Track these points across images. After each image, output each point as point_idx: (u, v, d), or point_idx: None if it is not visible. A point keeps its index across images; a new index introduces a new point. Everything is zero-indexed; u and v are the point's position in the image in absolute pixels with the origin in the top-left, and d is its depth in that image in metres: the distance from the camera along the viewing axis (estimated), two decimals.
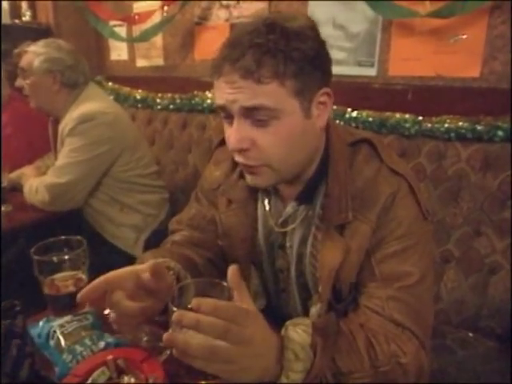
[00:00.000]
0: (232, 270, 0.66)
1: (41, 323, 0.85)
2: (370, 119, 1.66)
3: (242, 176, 0.93)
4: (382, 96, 1.69)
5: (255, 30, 0.72)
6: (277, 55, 0.71)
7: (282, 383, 0.64)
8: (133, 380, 0.71)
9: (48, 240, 0.91)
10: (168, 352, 0.76)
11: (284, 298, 1.01)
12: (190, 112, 2.31)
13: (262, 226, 0.96)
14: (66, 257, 0.89)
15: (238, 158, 0.80)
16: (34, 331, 0.84)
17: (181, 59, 2.50)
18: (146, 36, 2.48)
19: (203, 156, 2.18)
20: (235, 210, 0.96)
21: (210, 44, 2.29)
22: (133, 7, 2.61)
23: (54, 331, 0.81)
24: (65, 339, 0.79)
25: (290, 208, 0.91)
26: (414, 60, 1.64)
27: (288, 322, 0.70)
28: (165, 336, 0.57)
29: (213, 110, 2.18)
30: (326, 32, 0.79)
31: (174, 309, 0.60)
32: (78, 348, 0.77)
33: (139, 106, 2.58)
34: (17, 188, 1.84)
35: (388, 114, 1.63)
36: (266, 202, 0.95)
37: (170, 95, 2.40)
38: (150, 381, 0.69)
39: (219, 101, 0.77)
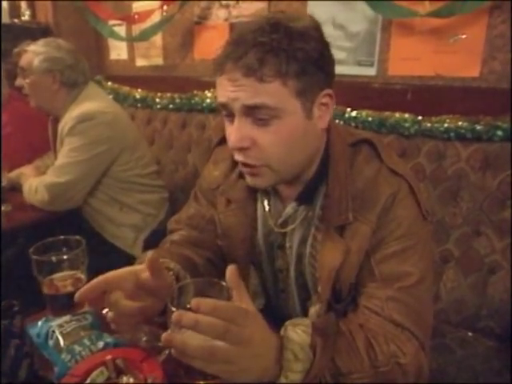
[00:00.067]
0: (230, 270, 0.66)
1: (40, 323, 0.85)
2: (370, 119, 1.66)
3: (241, 176, 0.93)
4: (381, 96, 1.69)
5: (259, 28, 0.72)
6: (280, 54, 0.71)
7: (281, 383, 0.64)
8: (132, 380, 0.71)
9: (47, 240, 0.91)
10: (167, 352, 0.76)
11: (283, 298, 1.01)
12: (189, 111, 2.31)
13: (262, 226, 0.96)
14: (65, 257, 0.89)
15: (238, 157, 0.79)
16: (32, 331, 0.84)
17: (180, 59, 2.50)
18: (145, 35, 2.48)
19: (203, 155, 2.18)
20: (234, 210, 0.96)
21: (210, 43, 2.29)
22: (132, 7, 2.62)
23: (53, 331, 0.81)
24: (64, 339, 0.79)
25: (289, 208, 0.91)
26: (414, 60, 1.64)
27: (287, 323, 0.70)
28: (163, 336, 0.57)
29: (212, 109, 2.18)
30: (326, 32, 0.78)
31: (173, 309, 0.60)
32: (77, 348, 0.77)
33: (139, 105, 2.58)
34: (16, 188, 1.84)
35: (387, 113, 1.63)
36: (266, 202, 0.95)
37: (169, 95, 2.39)
38: (149, 381, 0.69)
39: (221, 98, 0.77)
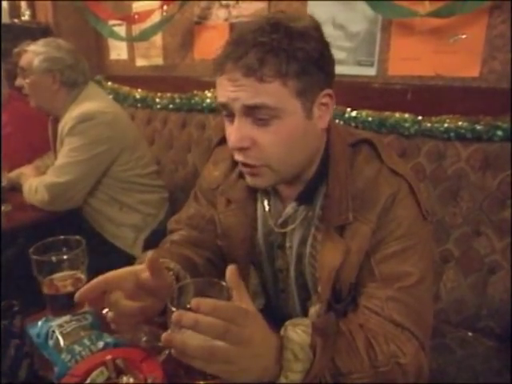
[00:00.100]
0: (230, 270, 0.66)
1: (40, 323, 0.85)
2: (370, 119, 1.66)
3: (241, 176, 0.93)
4: (381, 96, 1.69)
5: (259, 28, 0.72)
6: (280, 54, 0.71)
7: (281, 383, 0.64)
8: (131, 380, 0.71)
9: (47, 240, 0.91)
10: (167, 352, 0.76)
11: (283, 298, 1.01)
12: (189, 111, 2.31)
13: (262, 226, 0.96)
14: (65, 257, 0.89)
15: (238, 157, 0.79)
16: (32, 331, 0.84)
17: (180, 59, 2.50)
18: (145, 35, 2.48)
19: (203, 155, 2.18)
20: (234, 210, 0.96)
21: (210, 43, 2.29)
22: (132, 7, 2.61)
23: (53, 331, 0.81)
24: (64, 339, 0.79)
25: (289, 208, 0.91)
26: (414, 60, 1.64)
27: (287, 322, 0.70)
28: (163, 336, 0.57)
29: (212, 109, 2.18)
30: (326, 31, 0.78)
31: (173, 309, 0.60)
32: (77, 348, 0.77)
33: (139, 105, 2.58)
34: (16, 188, 1.84)
35: (387, 113, 1.63)
36: (266, 202, 0.95)
37: (169, 95, 2.39)
38: (149, 381, 0.69)
39: (221, 98, 0.77)
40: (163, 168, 2.35)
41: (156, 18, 2.42)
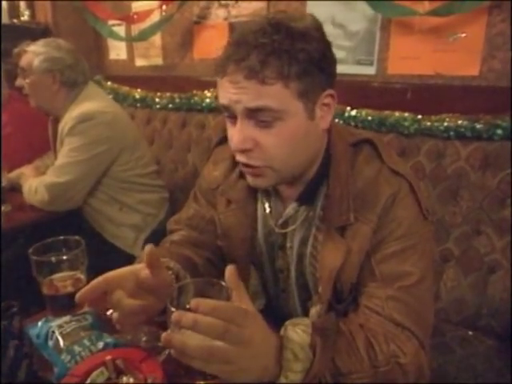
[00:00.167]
0: (229, 271, 0.66)
1: (39, 324, 0.85)
2: (369, 118, 1.66)
3: (241, 176, 0.93)
4: (381, 95, 1.69)
5: (260, 29, 0.72)
6: (282, 56, 0.70)
7: (281, 383, 0.64)
8: (131, 380, 0.71)
9: (46, 240, 0.91)
10: (167, 352, 0.76)
11: (283, 298, 1.01)
12: (189, 111, 2.31)
13: (262, 227, 0.96)
14: (65, 257, 0.89)
15: (240, 158, 0.79)
16: (32, 332, 0.84)
17: (180, 58, 2.50)
18: (144, 35, 2.48)
19: (202, 155, 2.18)
20: (234, 211, 0.96)
21: (209, 43, 2.29)
22: (131, 6, 2.61)
23: (53, 332, 0.81)
24: (63, 340, 0.79)
25: (290, 209, 0.90)
26: (413, 58, 1.64)
27: (287, 322, 0.70)
28: (163, 336, 0.57)
29: (212, 109, 2.18)
30: (325, 31, 0.78)
31: (173, 309, 0.60)
32: (77, 348, 0.77)
33: (138, 105, 2.58)
34: (16, 188, 1.83)
35: (387, 112, 1.63)
36: (266, 203, 0.94)
37: (169, 94, 2.39)
38: (149, 381, 0.69)
39: (223, 100, 0.76)
40: (163, 168, 2.35)
41: (155, 17, 2.42)
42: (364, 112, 1.68)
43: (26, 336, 0.78)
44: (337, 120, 1.71)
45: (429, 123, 1.53)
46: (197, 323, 0.55)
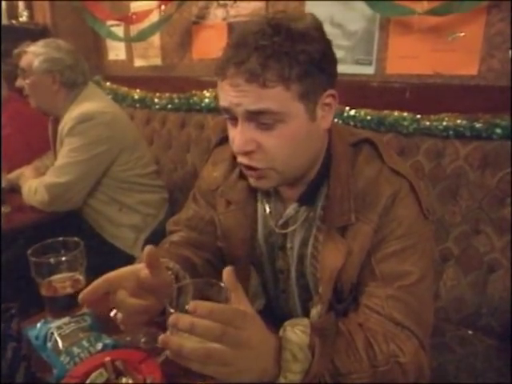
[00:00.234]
0: (227, 272, 0.66)
1: (38, 325, 0.85)
2: (368, 117, 1.66)
3: (241, 176, 0.93)
4: (380, 94, 1.68)
5: (260, 30, 0.71)
6: (282, 58, 0.70)
7: None
8: (131, 381, 0.71)
9: (45, 241, 0.91)
10: (166, 353, 0.76)
11: (284, 299, 1.01)
12: (188, 111, 2.31)
13: (262, 227, 0.96)
14: (63, 258, 0.89)
15: (242, 160, 0.79)
16: (31, 333, 0.84)
17: (179, 59, 2.49)
18: (143, 36, 2.48)
19: (202, 155, 2.18)
20: (234, 212, 0.96)
21: (208, 43, 2.29)
22: (130, 7, 2.61)
23: (52, 333, 0.81)
24: (62, 341, 0.79)
25: (290, 209, 0.90)
26: (412, 58, 1.63)
27: (286, 323, 0.70)
28: (160, 338, 0.57)
29: (211, 109, 2.18)
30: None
31: (172, 310, 0.60)
32: (76, 350, 0.77)
33: (137, 105, 2.58)
34: (15, 189, 1.83)
35: (386, 112, 1.63)
36: (266, 204, 0.94)
37: (168, 95, 2.39)
38: (148, 381, 0.69)
39: (223, 103, 0.76)
40: (162, 168, 2.35)
41: (154, 18, 2.42)
42: (363, 112, 1.68)
43: (25, 338, 0.78)
44: (336, 120, 1.70)
45: (428, 123, 1.53)
46: (194, 326, 0.55)
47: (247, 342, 0.59)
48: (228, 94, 0.74)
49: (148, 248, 0.72)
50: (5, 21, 2.75)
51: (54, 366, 0.76)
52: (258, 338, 0.62)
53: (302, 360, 0.64)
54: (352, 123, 1.70)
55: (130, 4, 2.61)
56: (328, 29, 0.78)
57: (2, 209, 1.69)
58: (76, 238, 0.92)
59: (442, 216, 1.49)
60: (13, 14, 2.82)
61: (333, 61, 0.78)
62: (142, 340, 0.82)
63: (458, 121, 1.47)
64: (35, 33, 2.63)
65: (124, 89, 2.66)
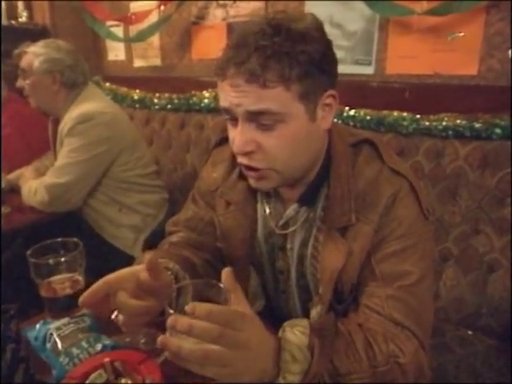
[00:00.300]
0: (226, 273, 0.66)
1: (38, 326, 0.85)
2: (368, 118, 1.66)
3: (240, 177, 0.93)
4: (379, 94, 1.69)
5: (260, 30, 0.71)
6: (282, 59, 0.70)
7: None
8: (130, 382, 0.71)
9: (44, 242, 0.91)
10: (165, 354, 0.76)
11: (283, 299, 1.01)
12: (187, 112, 2.31)
13: (262, 228, 0.96)
14: (63, 259, 0.89)
15: (243, 160, 0.79)
16: (30, 334, 0.84)
17: (178, 59, 2.49)
18: (142, 36, 2.48)
19: (201, 155, 2.18)
20: (234, 212, 0.96)
21: (207, 43, 2.29)
22: (129, 7, 2.61)
23: (51, 334, 0.81)
24: (62, 342, 0.79)
25: (291, 210, 0.90)
26: (412, 58, 1.63)
27: (285, 324, 0.70)
28: (159, 339, 0.57)
29: (210, 109, 2.18)
30: None
31: (171, 311, 0.60)
32: (75, 351, 0.77)
33: (137, 106, 2.58)
34: (15, 189, 1.83)
35: (386, 112, 1.62)
36: (266, 204, 0.94)
37: (167, 95, 2.39)
38: (148, 382, 0.69)
39: (223, 103, 0.76)
40: (162, 168, 2.35)
41: (153, 18, 2.42)
42: (362, 112, 1.68)
43: (24, 339, 0.78)
44: (335, 120, 1.69)
45: (427, 123, 1.53)
46: (192, 328, 0.55)
47: (246, 343, 0.59)
48: (228, 95, 0.74)
49: (149, 255, 0.72)
50: (4, 21, 2.74)
51: (54, 367, 0.76)
52: (257, 338, 0.62)
53: (301, 361, 0.64)
54: (352, 123, 1.70)
55: (129, 4, 2.61)
56: (327, 29, 0.78)
57: (2, 209, 1.68)
58: (75, 239, 0.92)
59: (442, 216, 1.49)
60: (12, 14, 2.82)
61: (333, 61, 0.78)
62: (142, 341, 0.82)
63: (458, 121, 1.47)
64: (35, 33, 2.63)
65: (123, 89, 2.66)
